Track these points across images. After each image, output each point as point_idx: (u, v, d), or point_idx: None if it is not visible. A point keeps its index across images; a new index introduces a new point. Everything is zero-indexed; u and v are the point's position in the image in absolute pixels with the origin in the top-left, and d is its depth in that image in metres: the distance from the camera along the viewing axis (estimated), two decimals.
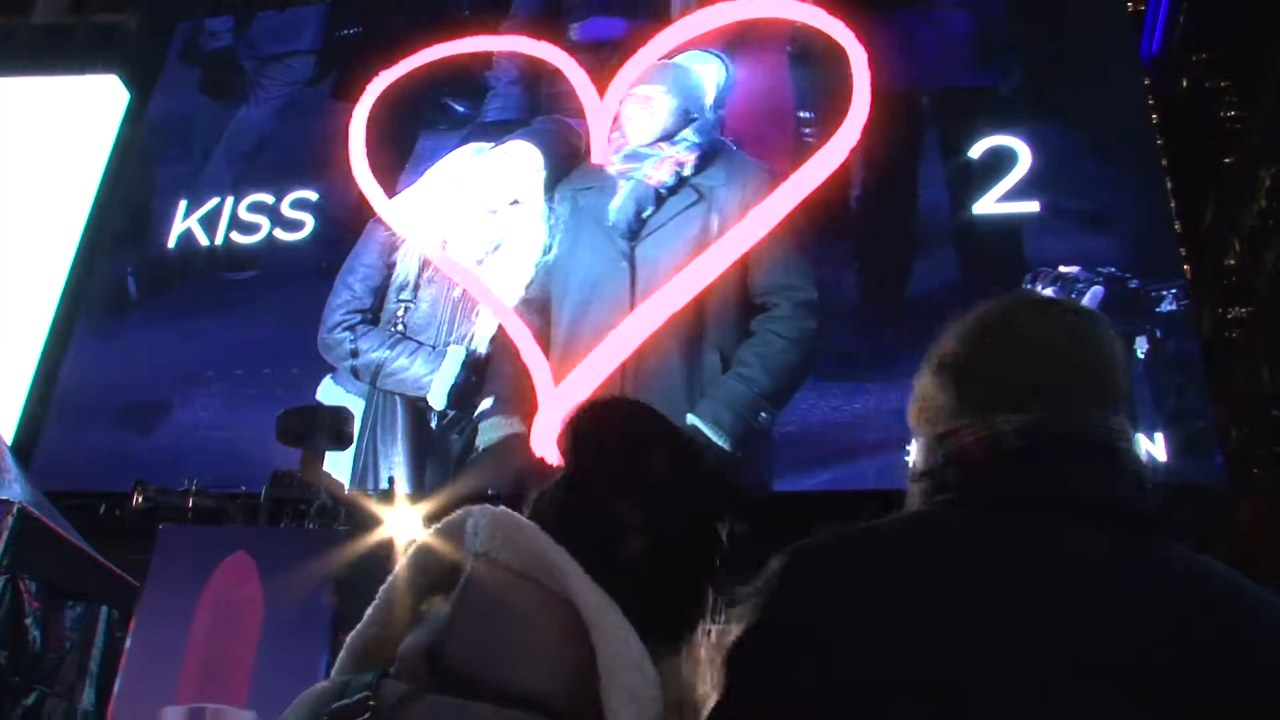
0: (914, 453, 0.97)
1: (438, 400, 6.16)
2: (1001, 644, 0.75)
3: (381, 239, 6.73)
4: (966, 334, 0.97)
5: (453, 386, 6.15)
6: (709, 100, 6.50)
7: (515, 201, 6.57)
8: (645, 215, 6.17)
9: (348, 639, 0.93)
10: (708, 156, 6.28)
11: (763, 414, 5.66)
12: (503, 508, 0.92)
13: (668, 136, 6.28)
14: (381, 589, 0.94)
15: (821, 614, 0.83)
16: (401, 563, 0.93)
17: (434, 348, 6.30)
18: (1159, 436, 5.15)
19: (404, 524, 4.62)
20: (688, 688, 0.92)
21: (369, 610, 0.93)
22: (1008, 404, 0.89)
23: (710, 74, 6.56)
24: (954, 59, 6.61)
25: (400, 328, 6.39)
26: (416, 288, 6.49)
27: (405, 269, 6.58)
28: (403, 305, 6.45)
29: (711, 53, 6.69)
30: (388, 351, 6.32)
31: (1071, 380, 0.91)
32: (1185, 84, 6.81)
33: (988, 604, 0.77)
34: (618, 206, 6.21)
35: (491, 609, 0.86)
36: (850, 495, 5.31)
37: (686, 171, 6.21)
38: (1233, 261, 6.33)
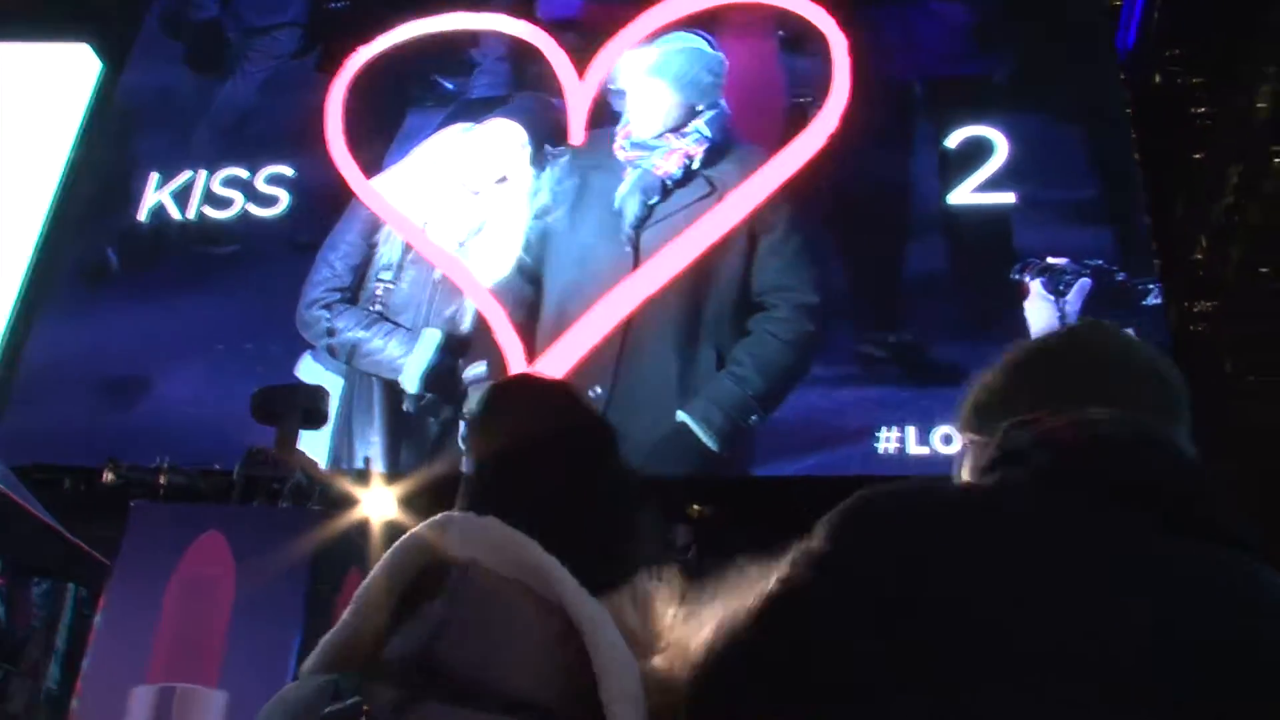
0: (976, 450, 0.99)
1: (410, 383, 6.12)
2: (1011, 636, 0.76)
3: (365, 217, 6.68)
4: (1041, 344, 1.00)
5: (426, 370, 6.11)
6: (719, 92, 6.46)
7: (503, 179, 6.54)
8: (652, 204, 6.17)
9: (323, 639, 0.93)
10: (720, 150, 6.28)
11: (753, 416, 5.70)
12: (491, 517, 0.92)
13: (675, 129, 6.28)
14: (357, 592, 0.93)
15: (849, 577, 0.83)
16: (378, 566, 0.93)
17: (410, 330, 6.26)
18: None
19: (381, 504, 4.61)
20: (634, 628, 0.94)
21: (345, 613, 0.92)
22: (1088, 400, 0.91)
23: (716, 64, 6.52)
24: (947, 49, 6.64)
25: (379, 308, 6.34)
26: (400, 268, 6.44)
27: (389, 249, 6.52)
28: (383, 285, 6.40)
29: (705, 38, 6.66)
30: (363, 331, 6.27)
31: (1147, 390, 0.94)
32: (1158, 79, 6.88)
33: (1015, 591, 0.78)
34: (623, 195, 6.22)
35: (485, 614, 0.87)
36: (832, 481, 5.35)
37: (695, 165, 6.21)
38: (1200, 256, 6.42)
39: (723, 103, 6.45)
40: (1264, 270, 6.31)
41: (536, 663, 0.86)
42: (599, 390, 5.91)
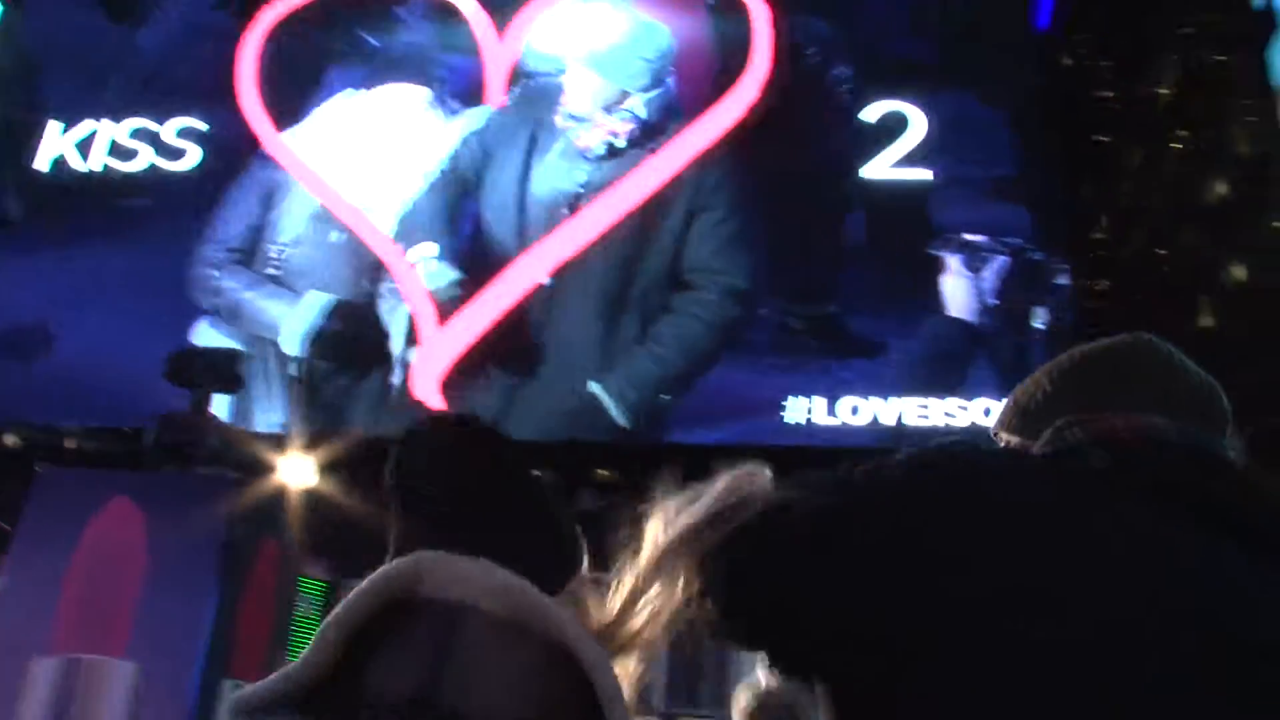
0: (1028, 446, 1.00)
1: (288, 344, 5.95)
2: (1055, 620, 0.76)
3: (264, 177, 6.45)
4: (1092, 353, 1.02)
5: (307, 333, 5.94)
6: (662, 72, 6.39)
7: (417, 140, 6.43)
8: (580, 173, 6.16)
9: (281, 674, 0.90)
10: (659, 128, 6.24)
11: (666, 395, 5.74)
12: (483, 560, 0.91)
13: (605, 109, 6.24)
14: (321, 629, 0.90)
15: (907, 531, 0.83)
16: (341, 606, 0.90)
17: (299, 293, 6.10)
18: None
19: (296, 471, 4.56)
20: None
21: (309, 650, 0.89)
22: (1146, 408, 0.93)
23: (653, 47, 6.45)
24: (870, 24, 6.66)
25: (274, 271, 6.19)
26: (301, 231, 6.29)
27: (290, 209, 6.35)
28: (281, 248, 6.24)
29: (643, 9, 6.60)
30: (250, 292, 6.10)
31: (1199, 403, 0.97)
32: (1069, 61, 7.05)
33: (1067, 576, 0.79)
34: (553, 161, 6.22)
35: (485, 654, 0.87)
36: (742, 449, 5.43)
37: (620, 143, 6.19)
38: (1101, 236, 6.65)
39: (669, 82, 6.41)
40: (1161, 251, 6.59)
41: (543, 704, 0.87)
42: (526, 333, 5.92)
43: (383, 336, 6.02)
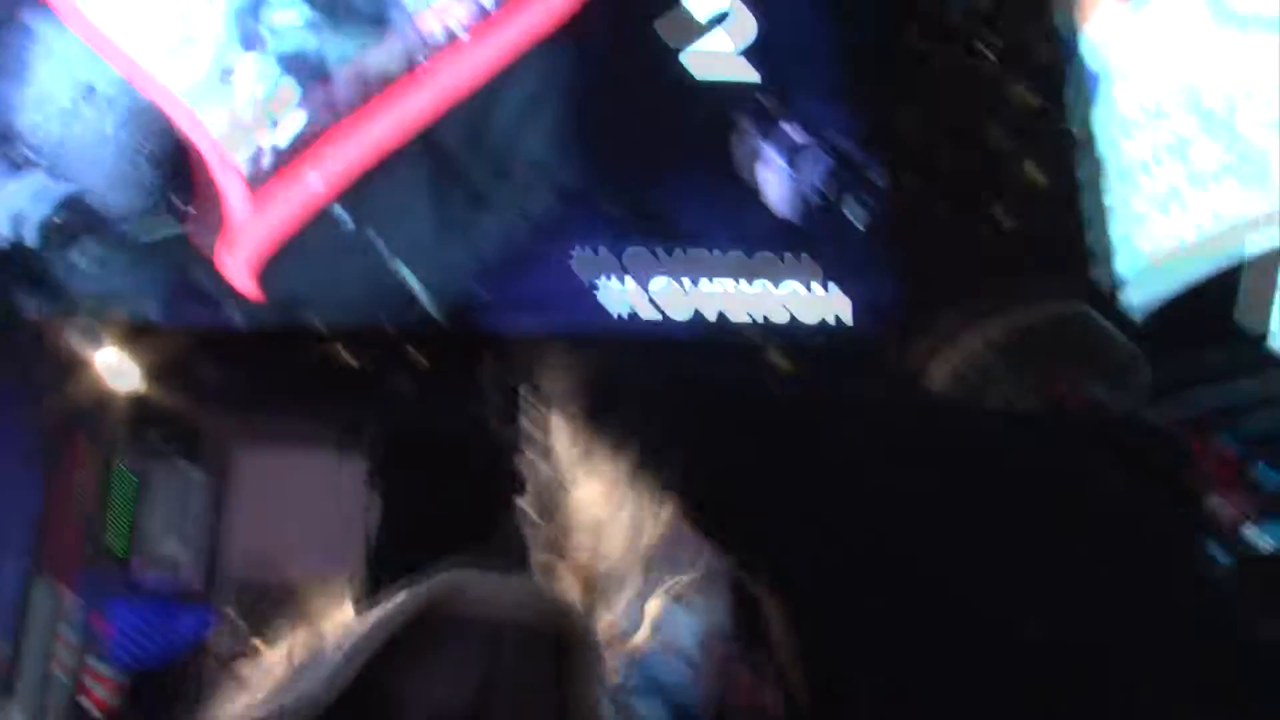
0: None
1: (29, 234, 5.45)
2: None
3: (20, 44, 5.93)
4: (1030, 326, 1.08)
5: (40, 220, 5.48)
6: None
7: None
8: (421, 55, 6.01)
9: (303, 693, 0.87)
10: (499, 17, 6.12)
11: (478, 284, 5.74)
12: (517, 577, 0.97)
13: None
14: (348, 645, 0.89)
15: None
16: (371, 620, 0.90)
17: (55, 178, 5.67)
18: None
19: (106, 363, 4.33)
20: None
21: (327, 674, 0.87)
22: (1087, 379, 1.02)
23: None
24: None
25: (23, 152, 5.69)
26: (55, 108, 5.79)
27: (45, 83, 5.84)
28: (37, 126, 5.75)
29: None
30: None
31: (1131, 373, 1.08)
32: None
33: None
34: (388, 43, 6.04)
35: (528, 676, 0.91)
36: (553, 338, 5.43)
37: (458, 29, 6.07)
38: (905, 134, 6.90)
39: None
40: (966, 152, 6.93)
41: (581, 713, 0.91)
42: (343, 215, 5.75)
43: (156, 221, 5.71)
